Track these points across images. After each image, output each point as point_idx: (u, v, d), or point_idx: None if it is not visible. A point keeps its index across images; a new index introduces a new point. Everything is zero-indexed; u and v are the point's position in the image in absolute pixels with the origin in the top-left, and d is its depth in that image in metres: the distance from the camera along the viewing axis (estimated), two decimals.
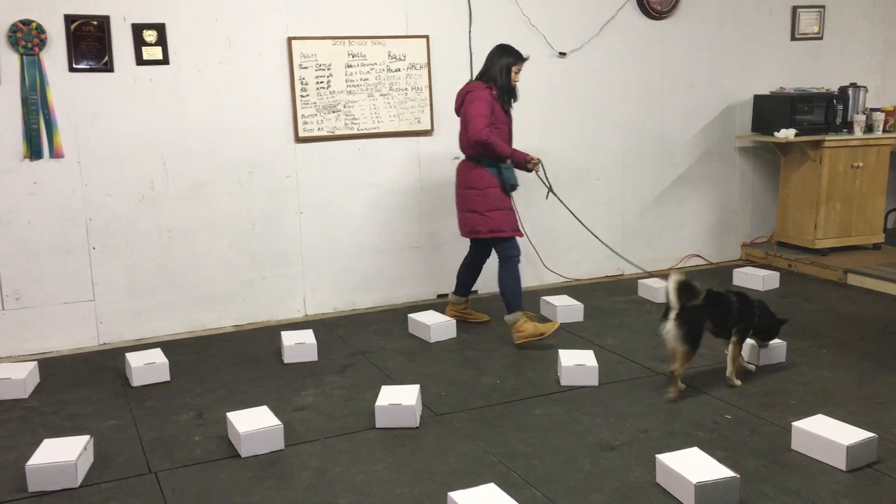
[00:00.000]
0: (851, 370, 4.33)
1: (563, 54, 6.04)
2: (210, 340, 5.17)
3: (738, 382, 4.15)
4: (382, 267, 5.79)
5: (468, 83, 4.92)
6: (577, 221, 5.71)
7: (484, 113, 4.63)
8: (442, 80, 5.72)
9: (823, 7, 6.87)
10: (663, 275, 6.23)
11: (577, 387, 4.20)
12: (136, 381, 4.37)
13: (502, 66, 4.76)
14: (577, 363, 4.26)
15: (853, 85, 6.70)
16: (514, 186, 4.82)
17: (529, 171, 4.89)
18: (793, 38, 6.82)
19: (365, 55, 5.50)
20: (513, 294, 4.81)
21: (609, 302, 5.78)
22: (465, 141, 4.80)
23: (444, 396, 4.14)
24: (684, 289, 3.94)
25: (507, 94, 4.81)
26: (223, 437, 3.70)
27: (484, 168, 4.76)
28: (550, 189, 5.11)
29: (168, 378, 4.43)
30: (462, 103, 4.82)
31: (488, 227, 4.76)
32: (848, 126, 6.56)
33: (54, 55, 4.80)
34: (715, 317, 4.09)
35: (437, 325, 5.02)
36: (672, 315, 3.93)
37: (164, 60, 5.02)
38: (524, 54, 4.83)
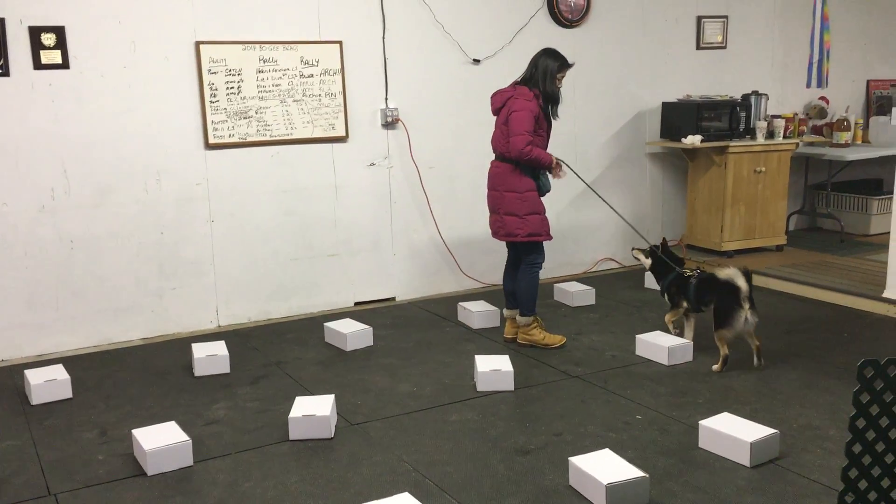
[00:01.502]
0: (755, 368, 4.47)
1: (476, 61, 6.08)
2: (116, 354, 4.98)
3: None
4: (297, 275, 5.70)
5: (515, 86, 4.71)
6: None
7: (528, 129, 4.53)
8: (356, 85, 5.68)
9: (727, 17, 7.12)
10: (578, 278, 6.36)
11: (492, 392, 4.22)
12: (36, 398, 4.17)
13: (547, 71, 4.64)
14: (493, 368, 4.27)
15: (755, 93, 6.96)
16: (548, 190, 4.81)
17: (556, 177, 4.83)
18: (698, 47, 7.04)
19: (277, 60, 5.41)
20: (529, 298, 4.82)
21: None
22: (504, 146, 4.67)
23: (360, 406, 4.10)
24: (749, 277, 4.33)
25: (553, 101, 4.72)
26: (129, 455, 3.57)
27: (523, 172, 4.67)
28: (577, 174, 5.08)
29: (70, 395, 4.25)
30: (503, 105, 4.68)
31: (526, 231, 4.69)
32: (751, 132, 6.81)
33: None
34: None
35: (353, 334, 4.97)
36: (747, 305, 4.29)
37: (65, 64, 4.83)
38: (570, 60, 4.73)
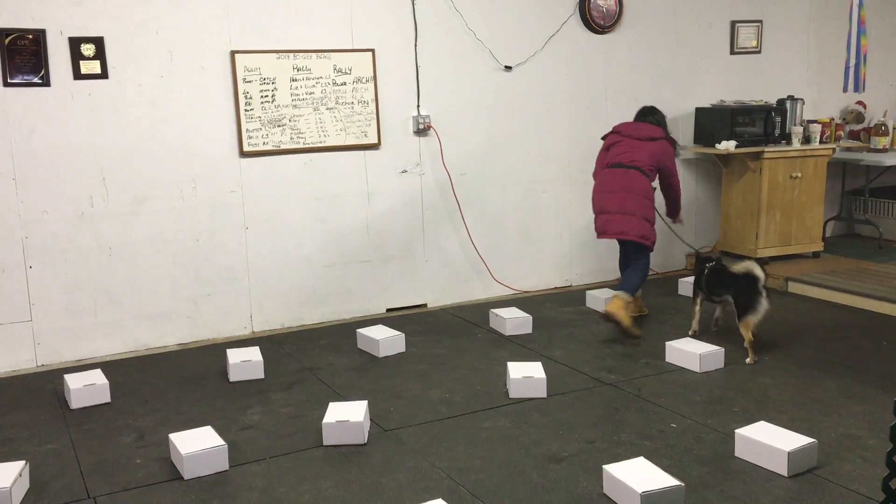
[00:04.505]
0: (792, 376, 4.42)
1: (508, 68, 6.08)
2: (153, 360, 5.05)
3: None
4: (330, 282, 5.74)
5: (653, 127, 5.49)
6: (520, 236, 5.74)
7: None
8: (388, 93, 5.72)
9: (761, 22, 7.05)
10: (611, 285, 6.32)
11: (525, 399, 4.21)
12: (75, 403, 4.24)
13: (673, 140, 5.54)
14: (526, 375, 4.26)
15: (790, 97, 6.88)
16: None
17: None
18: (732, 51, 6.98)
19: (310, 69, 5.46)
20: (637, 282, 5.32)
21: (557, 313, 5.82)
22: (645, 163, 5.31)
23: (393, 412, 4.11)
24: (763, 268, 4.70)
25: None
26: (166, 460, 3.62)
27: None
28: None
29: (108, 399, 4.32)
30: (649, 138, 5.37)
31: (652, 239, 5.34)
32: (786, 137, 6.72)
33: None
34: None
35: (385, 340, 4.99)
36: (765, 293, 4.64)
37: (103, 74, 4.93)
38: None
